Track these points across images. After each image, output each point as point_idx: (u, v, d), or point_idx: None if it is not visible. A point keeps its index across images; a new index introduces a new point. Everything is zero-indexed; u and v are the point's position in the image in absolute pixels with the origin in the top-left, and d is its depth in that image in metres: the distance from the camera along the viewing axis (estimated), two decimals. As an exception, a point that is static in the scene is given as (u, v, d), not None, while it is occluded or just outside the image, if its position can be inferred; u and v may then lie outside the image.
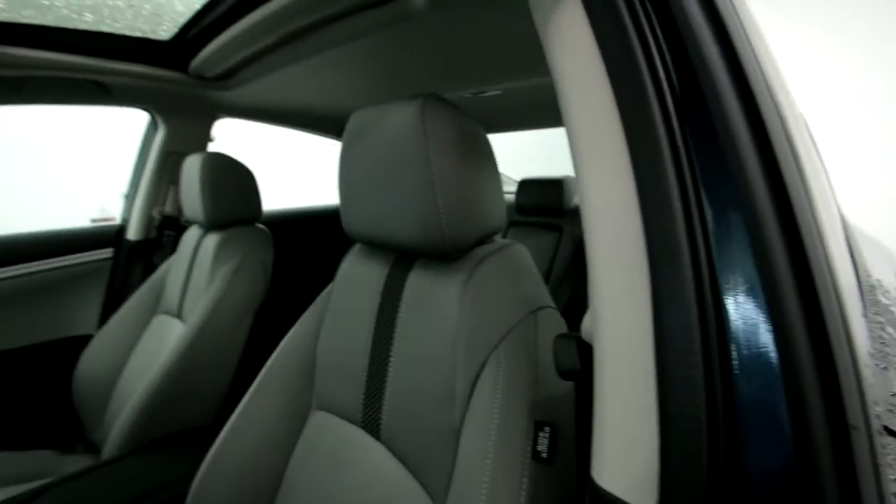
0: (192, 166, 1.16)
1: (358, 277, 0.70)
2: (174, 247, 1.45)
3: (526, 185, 1.96)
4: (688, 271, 0.29)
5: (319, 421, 0.72)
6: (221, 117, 1.52)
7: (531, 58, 1.00)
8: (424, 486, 0.56)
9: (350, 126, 0.65)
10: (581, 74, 0.37)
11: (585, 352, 0.38)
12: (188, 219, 1.27)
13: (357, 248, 0.75)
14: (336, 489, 0.65)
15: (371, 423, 0.65)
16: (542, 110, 1.60)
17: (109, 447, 0.96)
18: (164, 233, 1.51)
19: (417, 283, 0.62)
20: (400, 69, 1.12)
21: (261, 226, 1.26)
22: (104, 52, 1.11)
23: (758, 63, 0.33)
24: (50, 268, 1.43)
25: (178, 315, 1.23)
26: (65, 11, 0.94)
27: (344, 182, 0.66)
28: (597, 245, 0.34)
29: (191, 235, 1.30)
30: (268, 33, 0.93)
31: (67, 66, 1.09)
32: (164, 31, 1.07)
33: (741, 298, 0.28)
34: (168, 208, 1.51)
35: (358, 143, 0.63)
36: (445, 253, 0.56)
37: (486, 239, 0.61)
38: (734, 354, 0.28)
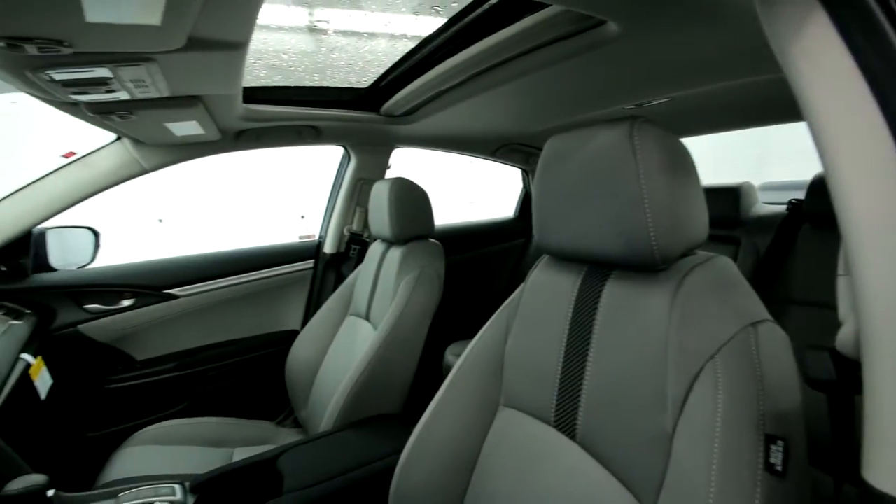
0: (381, 190, 1.37)
1: (548, 286, 0.76)
2: (359, 259, 1.71)
3: None
4: None
5: (508, 417, 0.79)
6: (398, 147, 1.76)
7: (711, 64, 0.97)
8: (629, 487, 0.58)
9: (548, 150, 0.72)
10: (833, 79, 0.37)
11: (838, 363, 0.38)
12: (374, 235, 1.50)
13: (546, 259, 0.81)
14: (529, 481, 0.71)
15: (565, 423, 0.69)
16: (711, 114, 1.50)
17: (325, 423, 1.17)
18: (351, 247, 1.79)
19: (616, 292, 0.65)
20: (575, 89, 1.18)
21: (433, 240, 1.42)
22: (320, 103, 1.40)
23: None
24: (269, 276, 1.80)
25: (367, 317, 1.44)
26: (302, 74, 1.22)
27: (540, 200, 0.73)
28: (867, 255, 0.34)
29: (375, 249, 1.52)
30: (456, 77, 1.07)
31: (296, 117, 1.39)
32: (366, 81, 1.31)
33: None
34: (355, 226, 1.79)
35: (556, 165, 0.70)
36: (652, 264, 0.59)
37: (689, 251, 0.62)
38: None
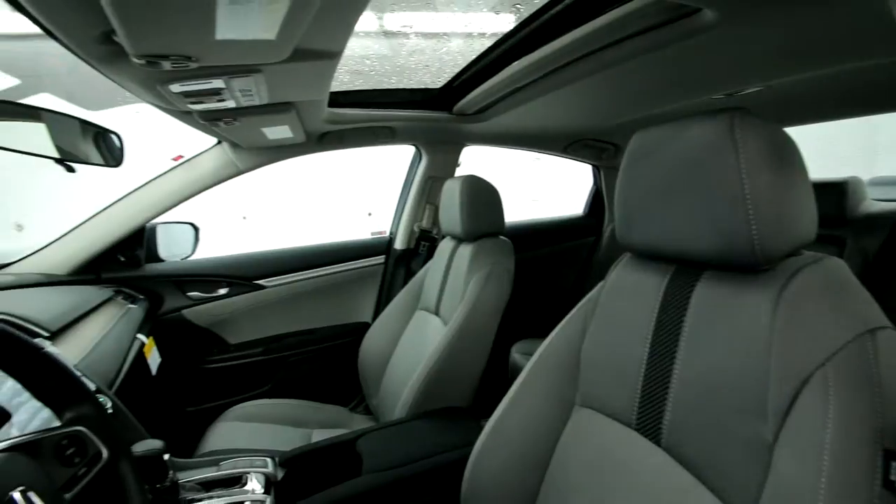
0: (453, 187, 1.39)
1: (631, 285, 0.74)
2: (429, 255, 1.75)
3: None
4: None
5: (584, 417, 0.78)
6: (468, 145, 1.79)
7: (814, 48, 0.89)
8: (720, 495, 0.55)
9: (635, 145, 0.70)
10: None
11: None
12: (444, 232, 1.53)
13: (627, 258, 0.79)
14: (609, 483, 0.69)
15: (648, 426, 0.67)
16: (811, 103, 1.36)
17: (398, 412, 1.22)
18: (421, 243, 1.84)
19: (708, 293, 0.62)
20: (658, 81, 1.13)
21: (503, 238, 1.42)
22: (396, 104, 1.45)
23: None
24: (343, 270, 1.90)
25: (436, 312, 1.48)
26: (381, 77, 1.27)
27: (625, 196, 0.71)
28: None
29: (445, 246, 1.55)
30: (532, 74, 1.07)
31: (373, 118, 1.46)
32: (440, 81, 1.34)
33: None
34: (425, 223, 1.84)
35: (644, 160, 0.68)
36: (753, 265, 0.55)
37: (795, 251, 0.58)
38: None
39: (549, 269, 2.24)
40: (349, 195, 5.05)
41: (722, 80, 1.11)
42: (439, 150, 1.76)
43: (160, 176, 1.48)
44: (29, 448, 0.50)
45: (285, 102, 0.99)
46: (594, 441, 0.74)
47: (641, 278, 0.73)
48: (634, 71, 1.02)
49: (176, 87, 0.75)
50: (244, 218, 4.97)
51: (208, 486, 0.86)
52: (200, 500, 0.83)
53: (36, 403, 0.63)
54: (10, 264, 1.37)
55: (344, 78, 1.24)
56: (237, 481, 0.88)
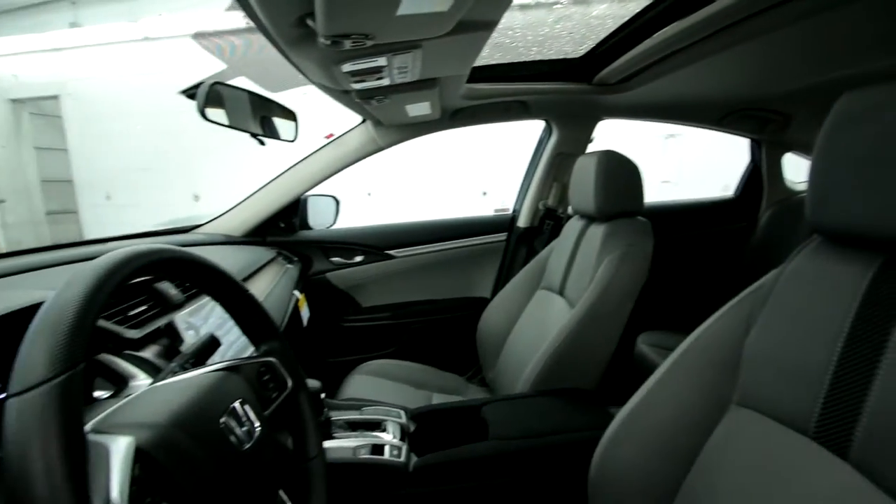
0: (587, 164, 1.33)
1: (820, 275, 0.64)
2: (552, 234, 1.71)
3: None
4: None
5: (744, 418, 0.70)
6: (605, 119, 1.68)
7: None
8: None
9: (842, 108, 0.59)
10: None
11: None
12: (574, 210, 1.47)
13: (816, 243, 0.67)
14: (773, 490, 0.62)
15: (832, 436, 0.58)
16: None
17: (519, 386, 1.23)
18: (545, 222, 1.80)
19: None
20: (846, 39, 0.94)
21: (642, 218, 1.32)
22: (531, 77, 1.41)
23: None
24: (466, 245, 1.95)
25: (560, 292, 1.44)
26: (521, 49, 1.25)
27: (823, 168, 0.61)
28: None
29: (573, 226, 1.49)
30: (686, 39, 0.95)
31: (508, 93, 1.44)
32: (582, 49, 1.27)
33: None
34: (551, 201, 1.79)
35: (853, 126, 0.57)
36: None
37: None
38: None
39: (687, 257, 2.02)
40: (464, 174, 5.14)
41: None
42: (572, 124, 1.68)
43: (314, 152, 1.66)
44: (238, 370, 0.61)
45: (432, 79, 1.03)
46: (755, 444, 0.67)
47: (835, 267, 0.62)
48: (815, 28, 0.85)
49: (346, 67, 0.83)
50: (369, 194, 5.37)
51: (354, 426, 0.97)
52: (347, 437, 0.94)
53: (238, 335, 0.76)
54: (199, 226, 1.67)
55: (483, 52, 1.24)
56: (377, 426, 0.98)
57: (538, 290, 1.58)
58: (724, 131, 1.82)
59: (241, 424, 0.52)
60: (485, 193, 4.98)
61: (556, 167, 1.76)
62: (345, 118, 1.51)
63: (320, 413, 0.89)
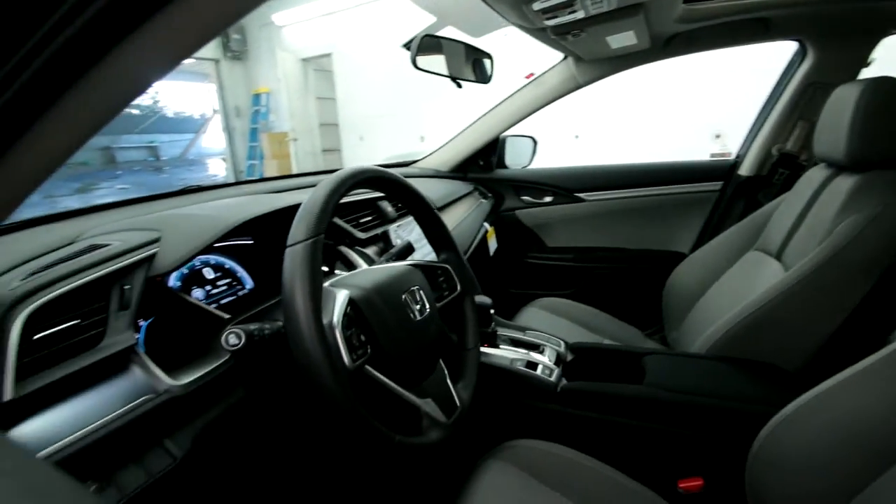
0: (846, 94, 1.02)
1: None
2: (784, 186, 1.40)
3: None
4: None
5: None
6: (893, 32, 1.22)
7: None
8: None
9: None
10: None
11: None
12: (817, 156, 1.17)
13: None
14: None
15: None
16: None
17: (698, 345, 1.14)
18: (778, 170, 1.48)
19: None
20: None
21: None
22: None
23: None
24: (668, 193, 1.78)
25: (777, 256, 1.21)
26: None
27: None
28: None
29: (813, 175, 1.20)
30: None
31: (741, 9, 1.19)
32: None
33: None
34: (790, 145, 1.45)
35: None
36: None
37: None
38: None
39: None
40: (693, 114, 4.39)
41: None
42: (836, 44, 1.28)
43: (514, 93, 1.73)
44: (420, 268, 0.79)
45: (634, 5, 0.96)
46: None
47: None
48: None
49: (537, 5, 0.86)
50: (576, 137, 5.17)
51: (515, 343, 1.10)
52: (507, 350, 1.08)
53: (427, 246, 0.95)
54: (414, 162, 1.97)
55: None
56: (536, 348, 1.08)
57: (750, 251, 1.36)
58: None
59: (415, 302, 0.70)
60: (718, 136, 4.19)
61: (804, 101, 1.39)
62: (548, 55, 1.52)
63: (487, 324, 1.04)
